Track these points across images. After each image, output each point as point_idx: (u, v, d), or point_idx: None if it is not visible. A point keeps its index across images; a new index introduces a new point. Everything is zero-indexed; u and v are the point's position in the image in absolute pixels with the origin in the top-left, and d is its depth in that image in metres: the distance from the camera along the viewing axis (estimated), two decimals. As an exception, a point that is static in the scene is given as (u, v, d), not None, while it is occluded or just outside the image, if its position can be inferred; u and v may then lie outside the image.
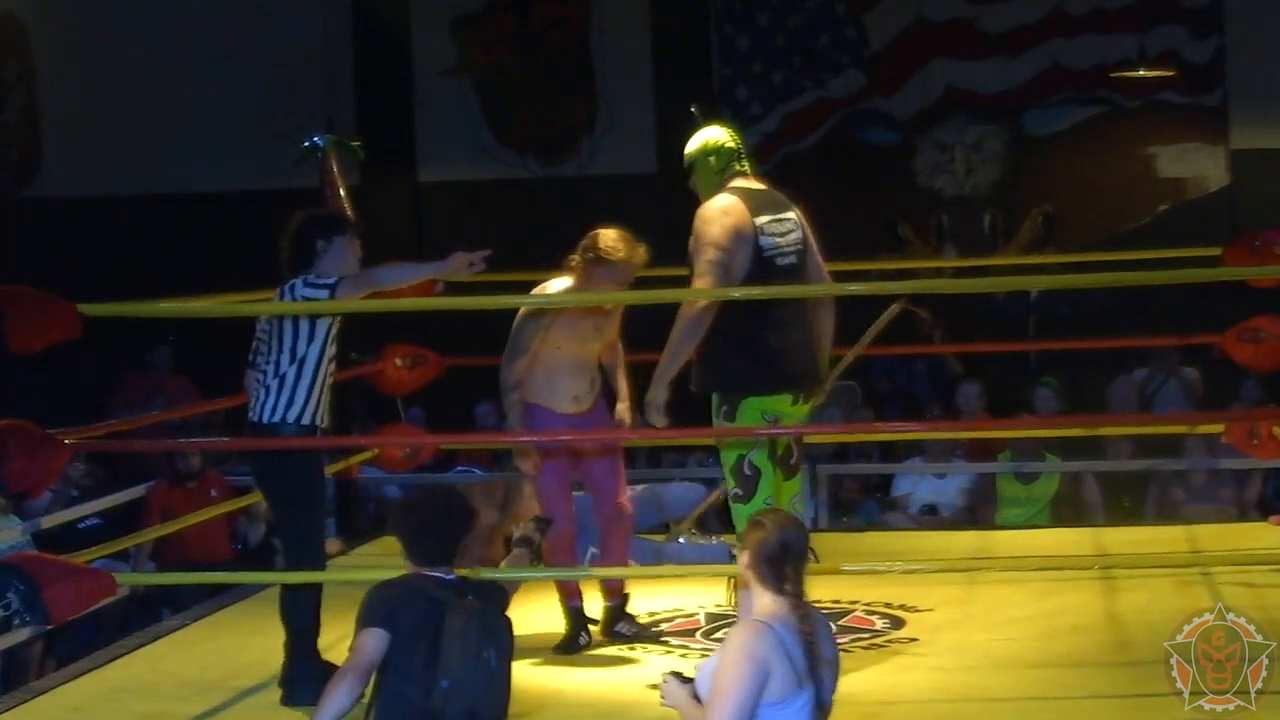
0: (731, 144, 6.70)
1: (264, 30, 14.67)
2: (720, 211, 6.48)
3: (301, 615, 6.32)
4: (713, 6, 14.71)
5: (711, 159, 6.68)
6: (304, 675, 6.19)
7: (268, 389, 6.26)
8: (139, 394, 12.23)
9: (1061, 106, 14.32)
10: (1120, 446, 10.38)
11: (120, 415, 10.28)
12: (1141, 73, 14.01)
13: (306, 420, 6.26)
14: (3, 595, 6.30)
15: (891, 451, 11.33)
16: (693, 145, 6.75)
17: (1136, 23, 14.07)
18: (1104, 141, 14.30)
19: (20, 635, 7.07)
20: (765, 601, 4.25)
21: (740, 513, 6.45)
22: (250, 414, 6.35)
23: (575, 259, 7.01)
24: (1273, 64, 13.83)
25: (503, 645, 4.63)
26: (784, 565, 4.25)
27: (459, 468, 10.46)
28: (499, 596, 4.80)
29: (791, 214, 6.61)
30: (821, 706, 4.23)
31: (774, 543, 4.25)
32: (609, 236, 6.98)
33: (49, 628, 6.91)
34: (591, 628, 7.15)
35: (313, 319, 6.24)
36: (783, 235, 6.54)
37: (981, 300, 13.79)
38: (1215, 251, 8.59)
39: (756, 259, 6.45)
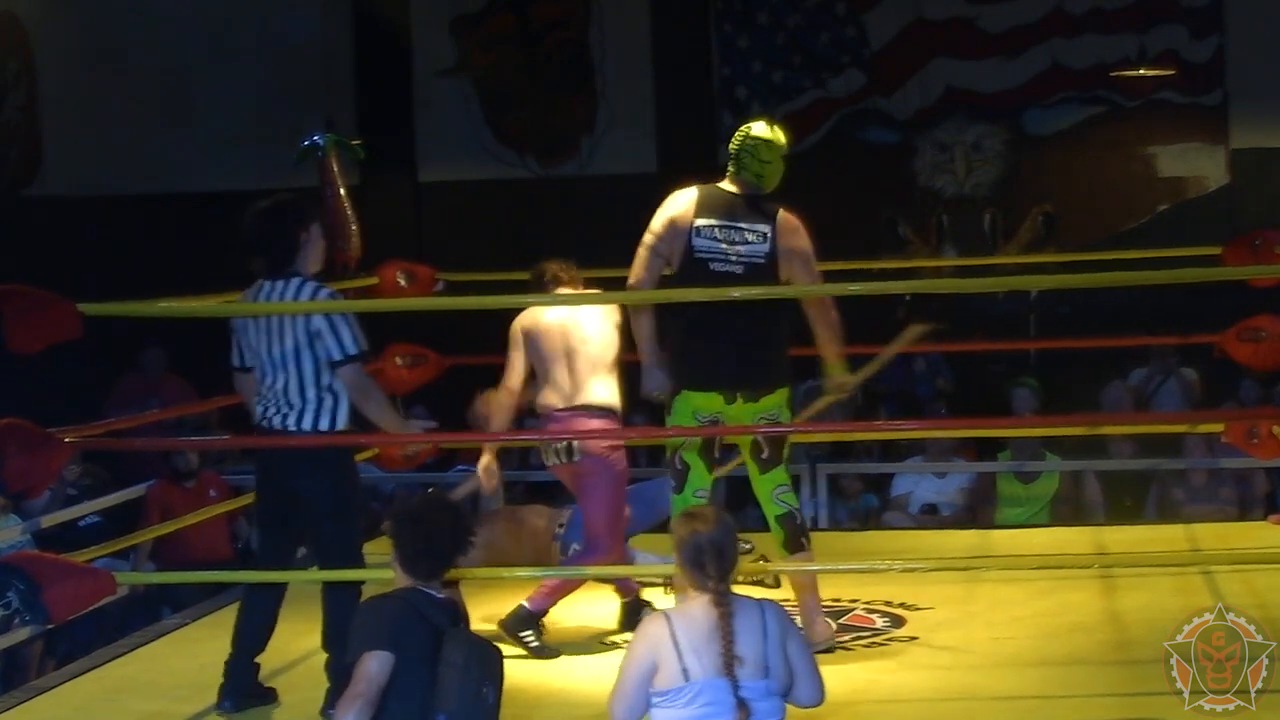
0: (732, 145, 6.78)
1: (264, 30, 14.67)
2: (668, 201, 6.68)
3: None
4: (713, 6, 14.71)
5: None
6: None
7: (314, 399, 6.08)
8: (134, 395, 12.17)
9: (1061, 106, 14.32)
10: (1121, 446, 10.38)
11: (115, 416, 10.23)
12: (1141, 72, 14.02)
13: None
14: (3, 595, 6.29)
15: (892, 451, 11.33)
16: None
17: (1136, 23, 14.07)
18: (1104, 141, 14.30)
19: (20, 635, 7.07)
20: (689, 596, 4.43)
21: (674, 503, 6.69)
22: (297, 423, 6.07)
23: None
24: (1273, 64, 13.83)
25: (498, 679, 4.59)
26: (704, 564, 4.39)
27: (458, 467, 10.44)
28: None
29: (760, 227, 6.62)
30: (744, 704, 4.30)
31: (689, 544, 4.41)
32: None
33: (49, 627, 6.90)
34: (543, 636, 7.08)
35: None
36: (729, 244, 6.60)
37: (981, 300, 13.79)
38: (1215, 251, 8.59)
39: (688, 258, 6.59)
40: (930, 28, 14.40)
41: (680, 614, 4.40)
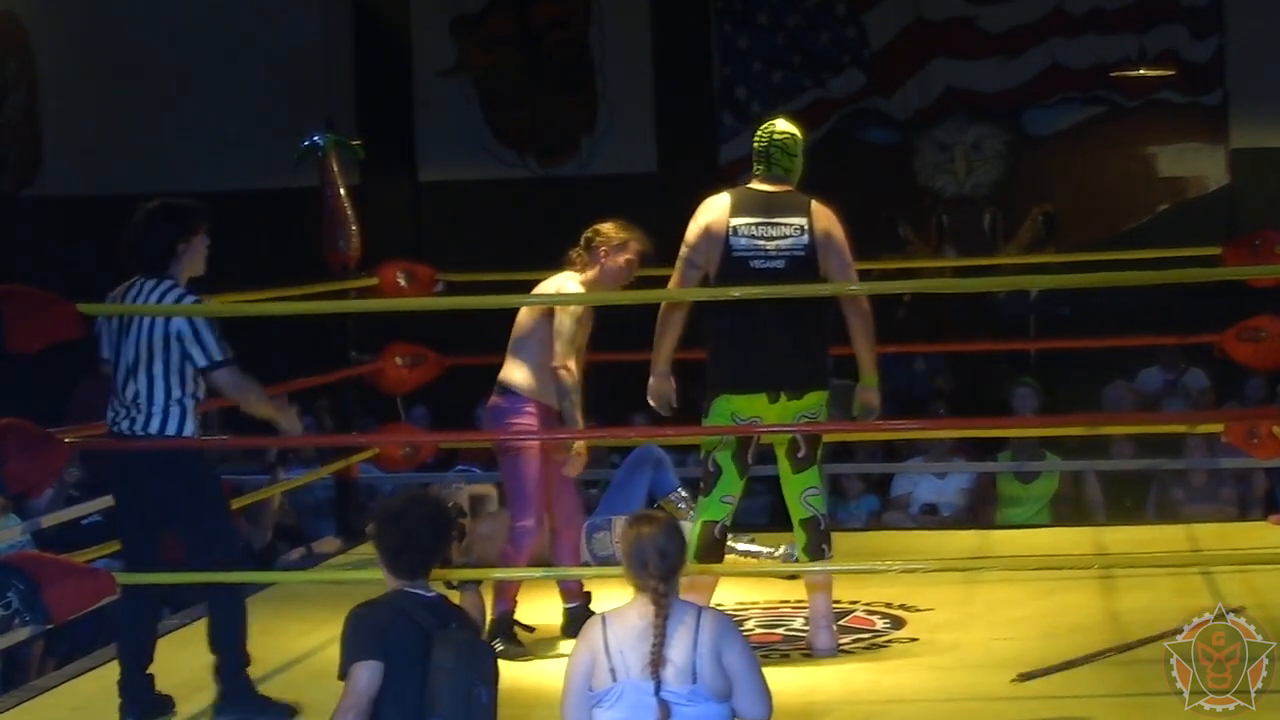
0: (757, 145, 6.75)
1: (264, 30, 14.69)
2: (702, 209, 6.62)
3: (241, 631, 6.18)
4: (713, 6, 14.72)
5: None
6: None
7: (161, 405, 6.06)
8: (97, 401, 11.87)
9: (1061, 106, 14.34)
10: (1122, 446, 10.38)
11: (78, 421, 10.12)
12: (1141, 72, 14.04)
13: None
14: (3, 595, 6.28)
15: (892, 451, 11.32)
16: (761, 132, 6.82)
17: (1136, 23, 14.09)
18: (1104, 141, 14.32)
19: (20, 635, 7.06)
20: (632, 596, 4.48)
21: (700, 504, 6.68)
22: (145, 428, 6.07)
23: (579, 253, 7.05)
24: (1273, 64, 13.85)
25: (490, 678, 4.57)
26: (646, 562, 4.40)
27: (459, 467, 10.44)
28: (473, 625, 4.76)
29: (796, 220, 6.58)
30: (665, 706, 4.30)
31: (635, 545, 4.44)
32: (610, 226, 7.04)
33: (49, 627, 6.90)
34: (524, 634, 7.04)
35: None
36: (768, 240, 6.56)
37: (981, 300, 13.79)
38: (1215, 251, 8.59)
39: (726, 259, 6.54)
40: (930, 28, 14.42)
41: (616, 616, 4.44)
